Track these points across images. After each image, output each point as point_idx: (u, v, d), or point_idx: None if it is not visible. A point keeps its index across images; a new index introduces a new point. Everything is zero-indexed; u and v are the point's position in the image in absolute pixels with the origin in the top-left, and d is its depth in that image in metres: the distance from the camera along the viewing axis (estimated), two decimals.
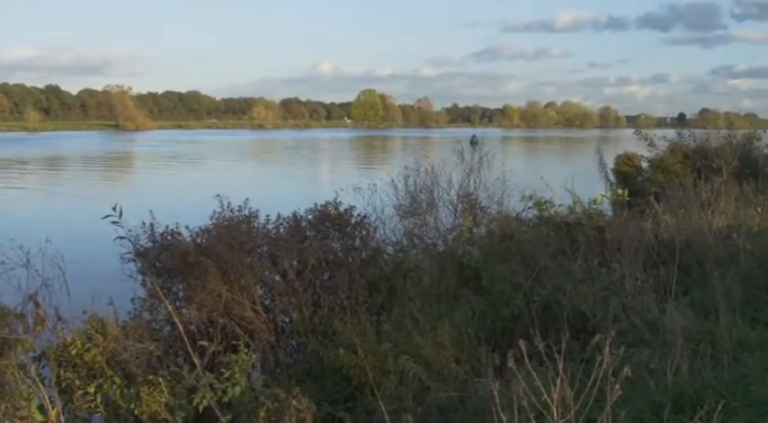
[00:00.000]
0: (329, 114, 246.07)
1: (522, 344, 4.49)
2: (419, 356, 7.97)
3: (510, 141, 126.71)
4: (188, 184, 44.87)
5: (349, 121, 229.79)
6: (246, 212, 10.32)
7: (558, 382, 4.58)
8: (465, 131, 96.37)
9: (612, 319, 8.64)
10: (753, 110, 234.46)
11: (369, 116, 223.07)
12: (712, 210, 12.84)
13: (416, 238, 12.37)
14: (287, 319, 9.75)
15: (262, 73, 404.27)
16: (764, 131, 27.91)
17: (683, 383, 6.57)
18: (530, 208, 13.24)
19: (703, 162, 20.91)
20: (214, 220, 10.09)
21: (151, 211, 10.04)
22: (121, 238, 9.69)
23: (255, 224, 10.30)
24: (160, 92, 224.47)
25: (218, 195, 10.39)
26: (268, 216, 10.51)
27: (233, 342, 8.11)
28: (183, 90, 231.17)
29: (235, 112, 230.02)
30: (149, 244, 9.86)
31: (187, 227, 10.02)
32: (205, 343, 7.80)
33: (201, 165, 68.32)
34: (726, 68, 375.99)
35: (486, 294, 9.93)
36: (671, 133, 27.52)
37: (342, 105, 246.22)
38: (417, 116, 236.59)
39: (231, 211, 10.23)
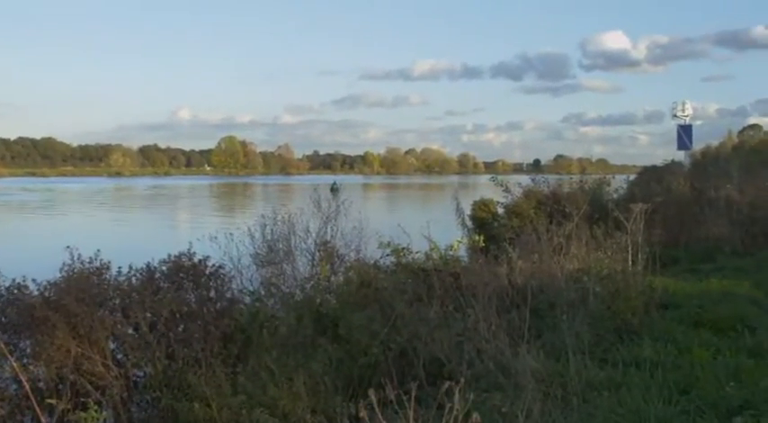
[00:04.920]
0: (189, 161, 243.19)
1: (371, 393, 4.50)
2: (275, 408, 7.89)
3: (370, 188, 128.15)
4: (37, 235, 43.13)
5: (209, 168, 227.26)
6: (98, 264, 10.06)
7: None
8: (326, 178, 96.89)
9: (467, 364, 8.77)
10: (604, 155, 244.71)
11: (229, 163, 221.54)
12: (564, 254, 13.21)
13: (274, 288, 12.25)
14: (140, 374, 9.54)
15: (119, 119, 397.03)
16: (614, 176, 29.12)
17: None
18: (387, 255, 13.32)
19: (556, 207, 21.48)
20: (63, 273, 9.79)
21: None
22: None
23: (107, 276, 10.05)
24: (13, 138, 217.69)
25: (67, 247, 10.09)
26: (120, 267, 10.25)
27: (83, 399, 7.88)
28: (38, 136, 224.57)
29: (92, 159, 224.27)
30: None
31: (34, 280, 9.69)
32: (53, 401, 7.54)
33: (52, 214, 65.78)
34: (576, 116, 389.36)
35: (343, 343, 9.91)
36: (527, 179, 28.33)
37: (202, 152, 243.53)
38: (278, 163, 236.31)
39: (81, 262, 9.96)
